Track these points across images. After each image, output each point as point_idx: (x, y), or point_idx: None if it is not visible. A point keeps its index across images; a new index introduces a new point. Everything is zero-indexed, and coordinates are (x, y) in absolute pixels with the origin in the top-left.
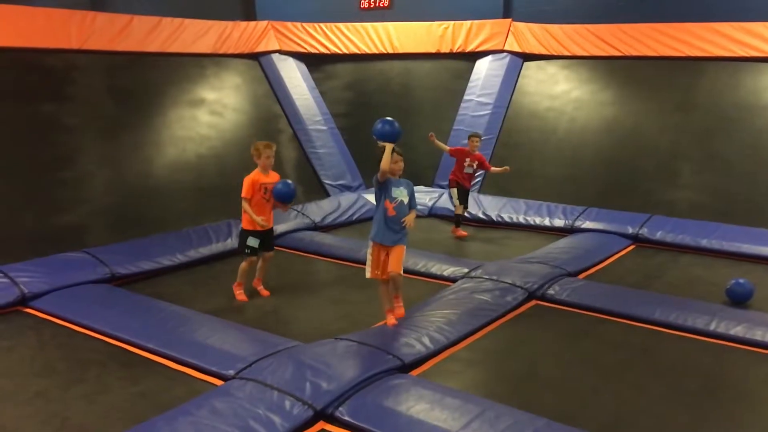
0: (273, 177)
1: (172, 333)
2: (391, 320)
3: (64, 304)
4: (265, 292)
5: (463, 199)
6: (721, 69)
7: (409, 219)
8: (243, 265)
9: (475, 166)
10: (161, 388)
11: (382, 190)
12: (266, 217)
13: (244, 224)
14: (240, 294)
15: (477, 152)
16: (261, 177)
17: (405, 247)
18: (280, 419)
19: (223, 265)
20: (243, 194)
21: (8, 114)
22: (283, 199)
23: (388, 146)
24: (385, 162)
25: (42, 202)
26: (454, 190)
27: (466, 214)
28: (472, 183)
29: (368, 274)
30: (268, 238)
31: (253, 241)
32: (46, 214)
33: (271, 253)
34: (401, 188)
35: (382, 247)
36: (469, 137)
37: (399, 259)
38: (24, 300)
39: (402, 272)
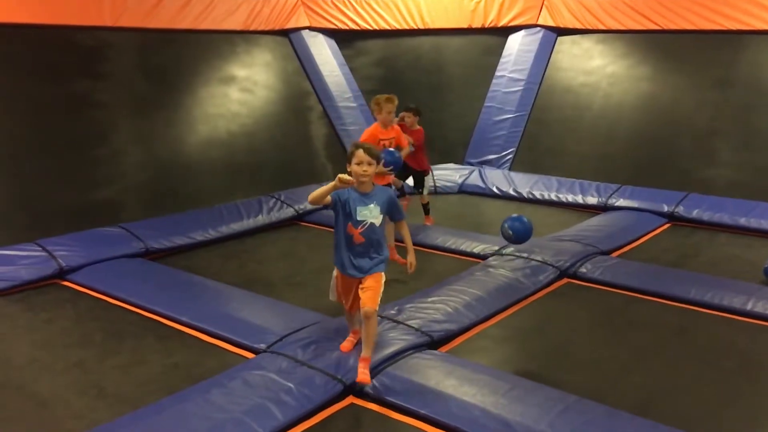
0: (393, 132)
1: (205, 306)
2: (345, 345)
3: (100, 277)
4: (400, 259)
5: (405, 178)
6: (763, 43)
7: (412, 259)
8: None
9: (412, 141)
10: (194, 360)
11: (339, 210)
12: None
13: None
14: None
15: (417, 128)
16: (379, 132)
17: (384, 274)
18: (310, 393)
19: (254, 241)
20: None
21: (43, 92)
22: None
23: (343, 178)
24: (318, 194)
25: (78, 178)
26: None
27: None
28: (414, 162)
29: (331, 297)
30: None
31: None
32: (82, 190)
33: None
34: (371, 205)
35: (352, 279)
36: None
37: (375, 291)
38: (61, 273)
39: (377, 308)
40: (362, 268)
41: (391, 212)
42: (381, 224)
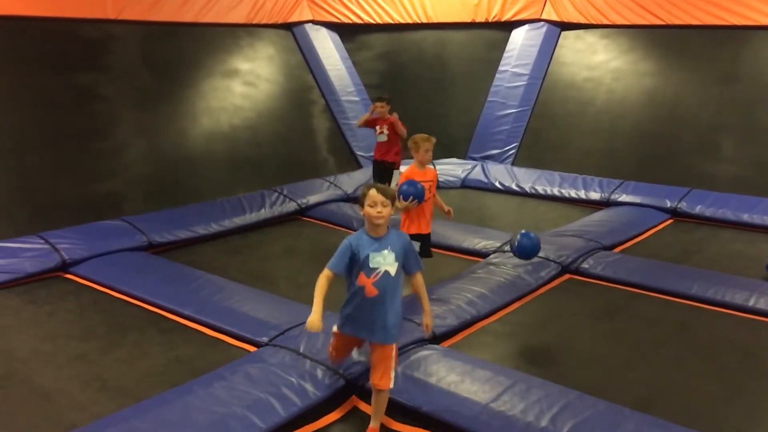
0: (429, 174)
1: (208, 300)
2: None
3: (103, 270)
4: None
5: (379, 175)
6: (767, 38)
7: (428, 321)
8: None
9: (386, 132)
10: (197, 353)
11: (349, 260)
12: (425, 221)
13: (404, 226)
14: None
15: (388, 116)
16: (416, 173)
17: (396, 346)
18: (312, 387)
19: (257, 235)
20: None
21: (47, 84)
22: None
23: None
24: (317, 299)
25: (81, 171)
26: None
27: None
28: (386, 156)
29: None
30: (427, 242)
31: (415, 246)
32: (85, 182)
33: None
34: (385, 251)
35: (358, 340)
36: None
37: (388, 367)
38: (64, 266)
39: (391, 386)
40: (373, 329)
41: (407, 261)
42: (397, 275)
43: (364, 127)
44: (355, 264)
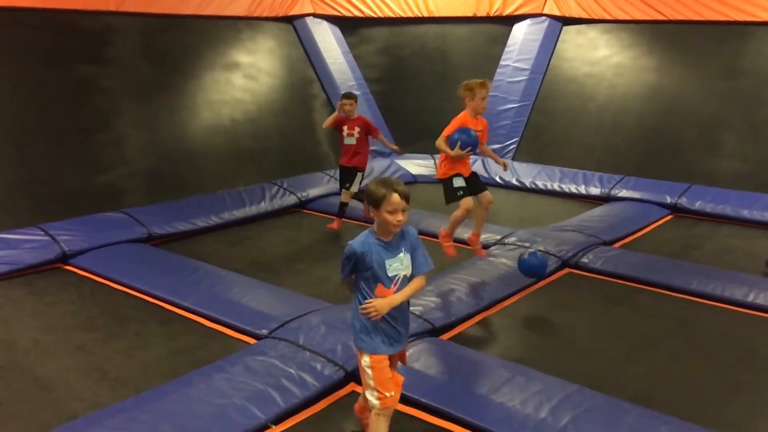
0: (480, 124)
1: (207, 292)
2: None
3: (103, 262)
4: (482, 252)
5: (346, 181)
6: None
7: (379, 304)
8: (458, 214)
9: (356, 134)
10: (197, 345)
11: (362, 267)
12: (466, 166)
13: (443, 171)
14: (449, 246)
15: (357, 116)
16: (469, 121)
17: None
18: (312, 379)
19: (257, 227)
20: (445, 134)
21: (47, 76)
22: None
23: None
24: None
25: (81, 163)
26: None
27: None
28: (355, 159)
29: (379, 401)
30: (475, 180)
31: (459, 181)
32: (85, 174)
33: (488, 194)
34: (401, 254)
35: (392, 357)
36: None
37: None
38: (64, 257)
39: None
40: (402, 334)
41: (416, 258)
42: (410, 276)
43: (331, 128)
44: (365, 269)
